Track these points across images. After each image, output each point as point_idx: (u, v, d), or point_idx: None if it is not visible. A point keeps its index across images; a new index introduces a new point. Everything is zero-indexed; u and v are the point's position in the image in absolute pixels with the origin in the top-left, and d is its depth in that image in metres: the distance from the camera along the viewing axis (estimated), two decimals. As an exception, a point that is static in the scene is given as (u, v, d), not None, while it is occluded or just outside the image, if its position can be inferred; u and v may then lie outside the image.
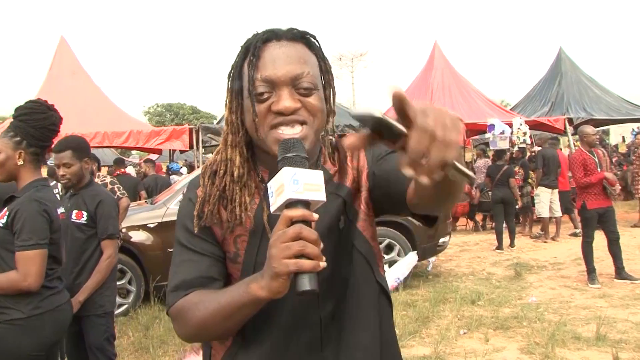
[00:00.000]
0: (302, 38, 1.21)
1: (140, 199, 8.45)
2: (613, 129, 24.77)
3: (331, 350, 1.21)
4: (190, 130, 11.39)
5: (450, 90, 15.36)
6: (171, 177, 11.92)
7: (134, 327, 5.68)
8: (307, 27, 1.25)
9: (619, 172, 13.63)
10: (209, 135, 11.50)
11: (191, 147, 11.53)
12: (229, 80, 1.24)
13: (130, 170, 14.50)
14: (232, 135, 1.24)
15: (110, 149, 17.95)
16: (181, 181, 7.64)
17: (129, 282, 6.28)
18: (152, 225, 6.42)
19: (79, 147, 3.28)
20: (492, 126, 11.99)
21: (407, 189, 1.10)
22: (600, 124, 15.57)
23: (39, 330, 2.34)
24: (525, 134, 12.15)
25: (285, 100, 1.13)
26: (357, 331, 1.24)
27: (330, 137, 1.32)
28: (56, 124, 2.45)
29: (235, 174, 1.23)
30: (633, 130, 22.53)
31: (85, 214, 3.27)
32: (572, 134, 14.01)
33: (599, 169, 6.65)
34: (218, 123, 16.23)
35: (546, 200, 9.84)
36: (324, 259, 0.97)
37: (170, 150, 14.38)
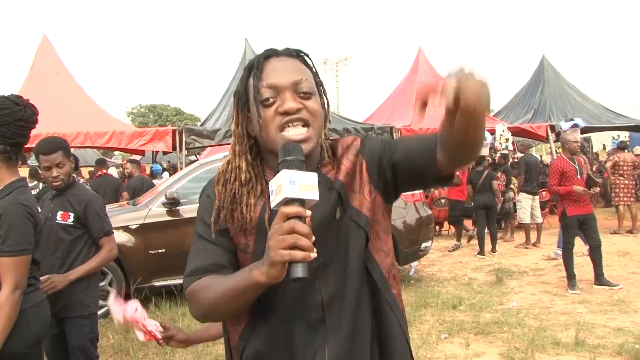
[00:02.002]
0: (298, 55, 1.40)
1: (122, 200, 8.35)
2: (594, 136, 25.09)
3: (333, 332, 1.33)
4: (174, 132, 11.31)
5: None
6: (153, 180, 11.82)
7: (114, 329, 5.60)
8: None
9: (599, 180, 13.81)
10: (192, 137, 11.43)
11: (174, 148, 11.44)
12: (235, 98, 1.42)
13: (113, 171, 14.36)
14: (239, 145, 1.42)
15: (92, 149, 17.79)
16: (162, 183, 7.59)
17: (110, 284, 6.21)
18: (133, 227, 6.37)
19: (67, 146, 3.23)
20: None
21: (433, 153, 1.29)
22: (581, 131, 15.77)
23: (24, 326, 2.29)
24: (507, 140, 12.28)
25: (289, 102, 1.30)
26: (359, 314, 1.36)
27: (327, 140, 1.46)
28: (26, 119, 2.33)
29: (243, 178, 1.39)
30: (613, 138, 22.84)
31: (72, 215, 3.23)
32: (554, 141, 14.18)
33: (578, 176, 6.73)
34: (202, 125, 16.15)
35: (527, 207, 9.93)
36: (315, 250, 1.11)
37: (152, 151, 14.27)
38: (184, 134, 11.10)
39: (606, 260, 7.09)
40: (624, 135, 19.10)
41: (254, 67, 1.36)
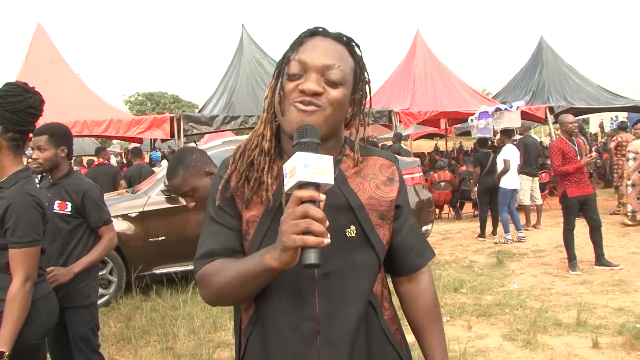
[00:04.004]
0: (347, 43, 1.34)
1: (120, 188, 8.33)
2: (592, 117, 25.07)
3: (326, 348, 1.29)
4: (172, 119, 11.28)
5: (432, 79, 15.39)
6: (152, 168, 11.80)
7: (115, 317, 5.62)
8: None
9: (599, 161, 13.79)
10: (190, 124, 11.41)
11: (172, 135, 11.40)
12: (277, 66, 1.35)
13: (113, 160, 14.31)
14: (267, 112, 1.37)
15: (90, 138, 17.72)
16: (162, 171, 7.56)
17: (110, 273, 6.20)
18: (133, 215, 6.34)
19: (57, 133, 3.16)
20: (485, 113, 11.93)
21: (401, 269, 1.48)
22: (580, 112, 15.75)
23: (36, 317, 2.28)
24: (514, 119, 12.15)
25: (311, 83, 1.24)
26: (354, 334, 1.32)
27: (360, 143, 1.41)
28: (36, 107, 2.31)
29: (266, 147, 1.34)
30: (612, 119, 22.81)
31: (69, 204, 3.19)
32: (553, 123, 14.15)
33: (578, 157, 6.70)
34: (200, 112, 16.09)
35: (527, 188, 9.91)
36: (329, 236, 1.08)
37: (151, 139, 14.22)
38: (182, 121, 11.07)
39: (606, 241, 7.09)
40: (623, 116, 19.07)
41: (296, 40, 1.32)
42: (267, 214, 1.32)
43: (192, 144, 15.90)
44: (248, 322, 1.38)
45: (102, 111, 11.77)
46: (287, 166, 1.12)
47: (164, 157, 14.65)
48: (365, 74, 1.37)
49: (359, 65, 1.34)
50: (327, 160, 1.11)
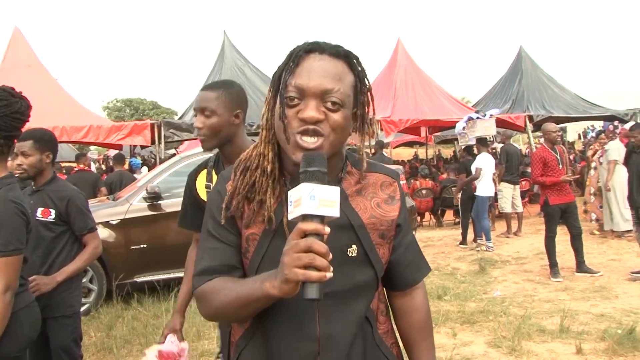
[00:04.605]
0: (345, 57, 1.28)
1: (100, 195, 8.21)
2: (570, 126, 25.45)
3: (325, 337, 1.28)
4: (152, 126, 11.17)
5: (413, 87, 15.49)
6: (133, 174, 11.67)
7: (95, 326, 5.52)
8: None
9: (578, 167, 13.97)
10: (171, 130, 11.31)
11: (153, 142, 11.30)
12: (272, 81, 1.31)
13: (92, 166, 14.13)
14: (267, 131, 1.32)
15: (67, 144, 17.47)
16: (143, 177, 7.46)
17: (90, 281, 6.09)
18: (114, 222, 6.25)
19: (42, 138, 3.10)
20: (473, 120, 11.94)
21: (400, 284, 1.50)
22: (559, 121, 15.96)
23: (17, 329, 2.21)
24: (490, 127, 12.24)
25: (311, 110, 1.20)
26: (352, 355, 1.32)
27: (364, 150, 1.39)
28: (22, 112, 2.24)
29: (269, 168, 1.31)
30: (588, 128, 23.20)
31: (53, 212, 3.11)
32: (532, 131, 14.32)
33: (560, 166, 6.78)
34: (180, 118, 15.97)
35: (508, 196, 10.02)
36: (331, 269, 1.07)
37: (130, 145, 14.07)
38: (162, 128, 10.97)
39: (585, 248, 7.15)
40: (599, 125, 19.38)
41: (290, 59, 1.25)
42: (267, 233, 1.29)
43: (172, 151, 15.79)
44: (242, 336, 1.36)
45: (82, 117, 11.63)
46: (292, 194, 1.10)
47: (144, 163, 14.52)
48: (366, 82, 1.32)
49: (359, 79, 1.30)
50: (334, 192, 1.09)
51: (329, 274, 1.06)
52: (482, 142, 9.79)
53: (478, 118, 11.65)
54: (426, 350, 1.50)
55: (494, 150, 13.41)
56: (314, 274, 1.05)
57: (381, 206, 1.38)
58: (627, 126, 13.54)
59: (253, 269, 1.29)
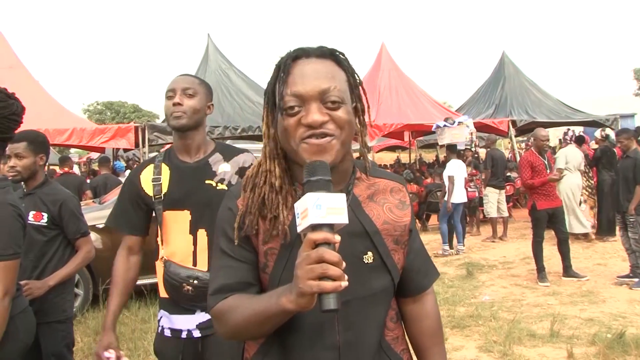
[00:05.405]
0: (331, 55, 1.28)
1: (85, 199, 8.09)
2: (551, 131, 25.74)
3: (345, 345, 1.27)
4: (136, 129, 11.05)
5: (397, 92, 15.51)
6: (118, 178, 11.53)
7: (82, 331, 5.42)
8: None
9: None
10: (155, 133, 11.18)
11: (137, 145, 11.17)
12: (265, 97, 1.31)
13: (75, 169, 13.94)
14: (269, 147, 1.31)
15: (50, 147, 17.20)
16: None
17: (76, 285, 5.97)
18: (101, 226, 6.14)
19: (36, 140, 3.04)
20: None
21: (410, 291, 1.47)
22: (541, 126, 16.14)
23: (14, 334, 2.16)
24: (472, 133, 12.36)
25: (314, 114, 1.19)
26: (368, 328, 1.31)
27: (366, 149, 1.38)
28: (17, 114, 2.18)
29: (276, 184, 1.29)
30: (565, 133, 23.42)
31: (45, 215, 3.05)
32: (515, 136, 14.43)
33: (548, 171, 6.84)
34: (163, 122, 15.81)
35: (494, 201, 10.07)
36: (346, 278, 1.04)
37: (113, 148, 13.90)
38: (147, 131, 10.86)
39: (571, 252, 7.21)
40: (579, 131, 19.59)
41: (280, 70, 1.24)
42: (285, 246, 1.27)
43: (156, 154, 15.62)
44: (257, 352, 1.34)
45: (64, 120, 11.43)
46: (298, 206, 1.08)
47: (128, 166, 14.35)
48: (356, 76, 1.32)
49: (350, 73, 1.30)
50: (340, 199, 1.06)
51: (344, 283, 1.03)
52: (451, 148, 9.92)
53: (445, 126, 11.76)
54: (438, 356, 1.48)
55: (476, 155, 13.50)
56: (328, 285, 1.02)
57: (393, 211, 1.38)
58: (597, 133, 13.81)
59: (274, 283, 1.26)
